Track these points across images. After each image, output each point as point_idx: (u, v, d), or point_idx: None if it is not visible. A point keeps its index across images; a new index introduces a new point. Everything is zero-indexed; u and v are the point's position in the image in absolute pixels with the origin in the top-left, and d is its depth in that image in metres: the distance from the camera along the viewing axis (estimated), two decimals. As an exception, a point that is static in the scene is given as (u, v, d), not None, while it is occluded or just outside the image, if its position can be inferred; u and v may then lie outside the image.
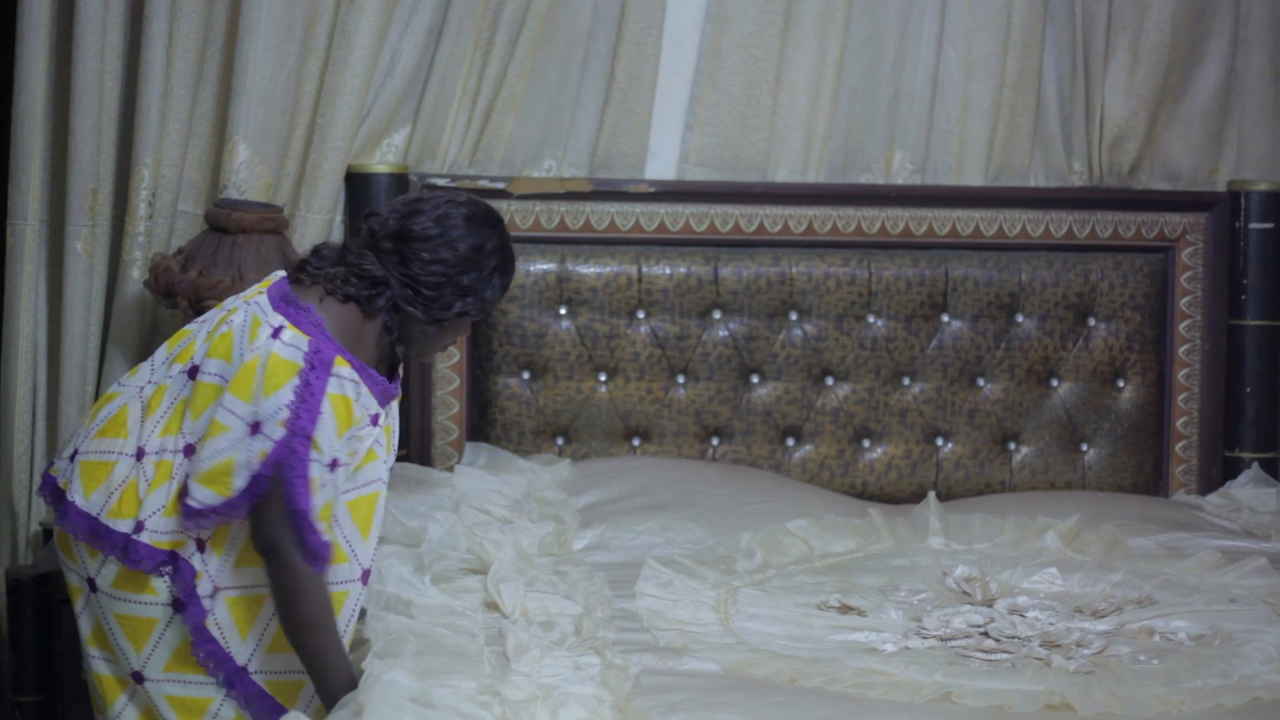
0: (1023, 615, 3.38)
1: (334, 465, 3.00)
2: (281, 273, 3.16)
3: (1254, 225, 4.45)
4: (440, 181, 4.20)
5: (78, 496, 3.04)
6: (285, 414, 2.92)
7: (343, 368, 2.98)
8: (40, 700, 3.67)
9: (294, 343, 2.96)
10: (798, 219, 4.36)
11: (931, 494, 4.06)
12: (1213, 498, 4.39)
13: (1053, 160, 4.50)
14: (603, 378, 4.32)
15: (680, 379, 4.34)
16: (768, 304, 4.33)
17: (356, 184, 4.20)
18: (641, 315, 4.31)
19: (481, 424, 4.30)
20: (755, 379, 4.36)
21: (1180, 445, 4.50)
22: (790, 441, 4.37)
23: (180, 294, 3.78)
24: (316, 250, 3.14)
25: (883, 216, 4.38)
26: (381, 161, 4.23)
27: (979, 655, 3.14)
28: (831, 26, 4.36)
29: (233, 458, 2.94)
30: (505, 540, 3.60)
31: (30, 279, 4.06)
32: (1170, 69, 4.48)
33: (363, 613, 3.17)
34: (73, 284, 4.03)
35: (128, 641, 3.05)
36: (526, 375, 4.30)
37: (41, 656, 3.64)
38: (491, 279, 3.11)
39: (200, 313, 3.39)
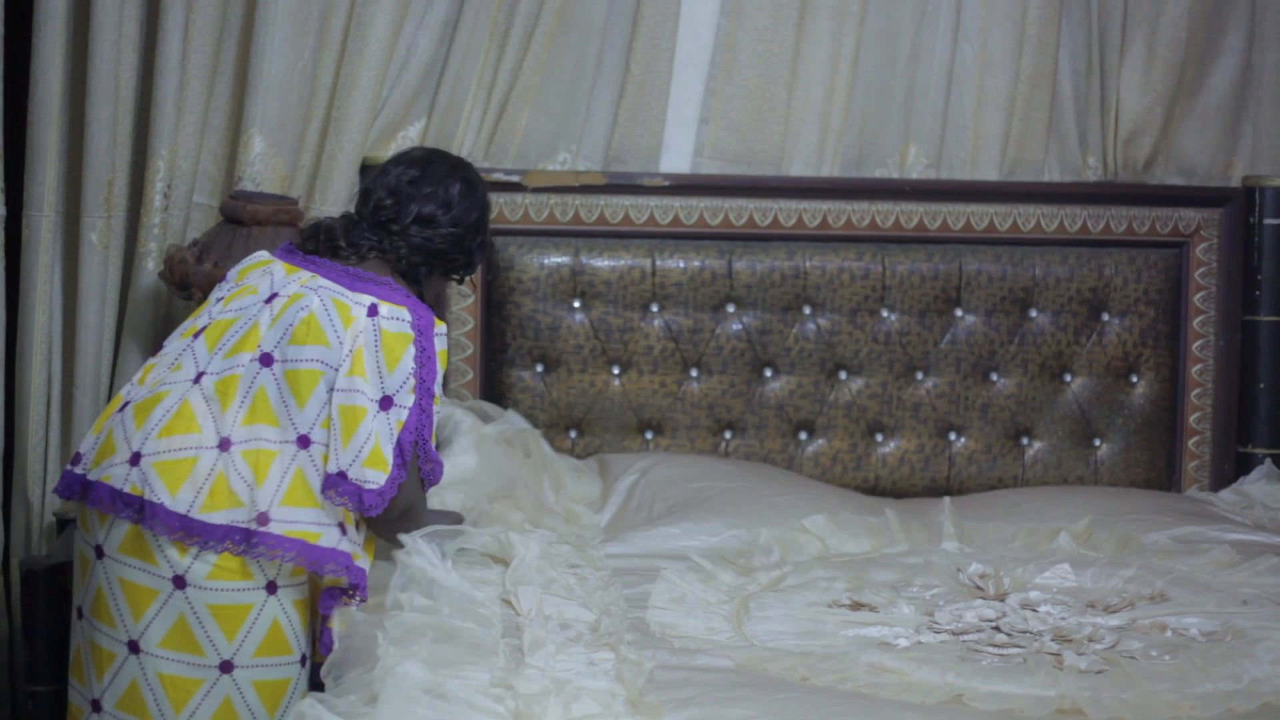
0: (1035, 610, 3.37)
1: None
2: (264, 251, 3.33)
3: (1269, 220, 4.44)
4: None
5: (164, 497, 3.08)
6: (412, 381, 3.13)
7: (441, 326, 3.21)
8: (53, 690, 3.68)
9: (395, 315, 3.16)
10: (812, 213, 4.36)
11: (946, 499, 4.04)
12: (1225, 494, 4.39)
13: (1067, 155, 4.50)
14: (616, 371, 4.32)
15: (693, 372, 4.34)
16: (781, 298, 4.33)
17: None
18: (655, 309, 4.31)
19: (495, 417, 4.30)
20: (768, 373, 4.35)
21: (1193, 441, 4.49)
22: (803, 435, 4.37)
23: (195, 285, 3.78)
24: (331, 230, 3.30)
25: (897, 211, 4.38)
26: (396, 154, 4.24)
27: (991, 650, 3.13)
28: (847, 20, 4.36)
29: (378, 435, 3.10)
30: (531, 538, 3.60)
31: (45, 270, 4.07)
32: (1186, 64, 4.48)
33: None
34: (88, 275, 4.03)
35: (220, 632, 3.11)
36: (540, 368, 4.30)
37: (54, 646, 3.64)
38: (489, 220, 3.44)
39: None
